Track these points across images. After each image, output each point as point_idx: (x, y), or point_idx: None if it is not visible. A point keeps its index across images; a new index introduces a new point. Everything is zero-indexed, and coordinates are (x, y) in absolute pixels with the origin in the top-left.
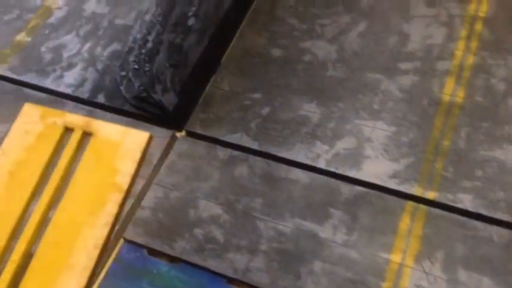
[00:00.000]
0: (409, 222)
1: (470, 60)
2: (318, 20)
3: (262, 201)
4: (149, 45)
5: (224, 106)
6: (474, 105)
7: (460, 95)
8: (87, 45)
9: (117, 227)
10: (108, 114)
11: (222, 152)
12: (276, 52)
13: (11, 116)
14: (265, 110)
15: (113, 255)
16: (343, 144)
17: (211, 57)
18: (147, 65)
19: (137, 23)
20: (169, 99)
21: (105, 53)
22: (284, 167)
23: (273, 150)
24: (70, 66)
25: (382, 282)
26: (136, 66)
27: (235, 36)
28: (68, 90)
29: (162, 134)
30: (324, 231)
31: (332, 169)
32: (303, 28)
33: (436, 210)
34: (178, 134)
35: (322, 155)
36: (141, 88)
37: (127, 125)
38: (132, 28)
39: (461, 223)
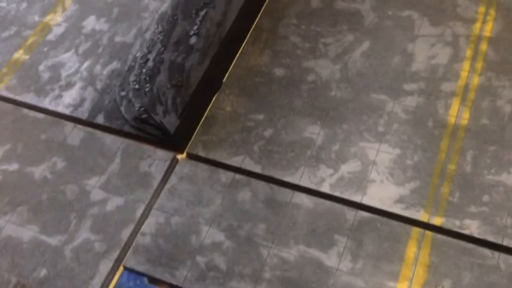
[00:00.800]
0: (416, 250)
1: (476, 81)
2: (321, 38)
3: (265, 227)
4: (150, 64)
5: (226, 128)
6: (480, 127)
7: (465, 117)
8: (86, 64)
9: (117, 254)
10: (108, 136)
11: (225, 176)
12: (279, 71)
13: (10, 138)
14: (268, 132)
15: (112, 284)
16: (348, 168)
17: (213, 77)
18: (147, 85)
19: (137, 41)
20: (171, 121)
21: (105, 72)
22: (288, 191)
23: (277, 174)
24: (69, 85)
25: None
26: (136, 86)
27: (238, 55)
28: (67, 111)
29: (163, 156)
30: (329, 259)
31: (337, 193)
32: (306, 47)
33: (443, 237)
34: (179, 157)
35: (326, 179)
36: (142, 109)
37: (127, 147)
38: (132, 46)
39: (468, 250)
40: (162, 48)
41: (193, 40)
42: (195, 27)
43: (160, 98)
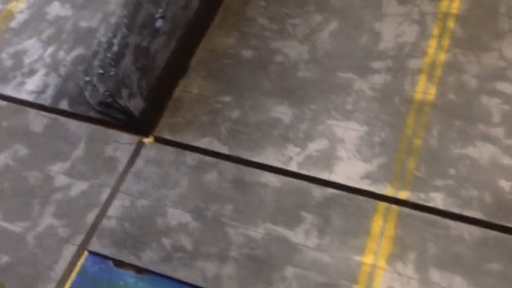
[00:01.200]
0: (382, 224)
1: (443, 57)
2: (289, 19)
3: (232, 207)
4: (115, 48)
5: (193, 110)
6: (446, 103)
7: (432, 93)
8: (50, 50)
9: (81, 239)
10: (72, 121)
11: (191, 158)
12: (247, 53)
13: None
14: (236, 113)
15: (77, 268)
16: (315, 146)
17: (180, 60)
18: (112, 69)
19: (102, 25)
20: (136, 104)
21: (69, 58)
22: (255, 171)
23: (244, 154)
24: (32, 72)
25: (354, 285)
26: (101, 71)
27: (205, 38)
28: (30, 98)
29: (129, 141)
30: (296, 236)
31: (304, 172)
32: (274, 28)
33: (409, 210)
34: (145, 140)
35: (294, 158)
36: (107, 93)
37: (92, 132)
38: (97, 31)
39: (433, 222)
40: (127, 32)
41: (158, 23)
42: (161, 10)
43: (125, 81)
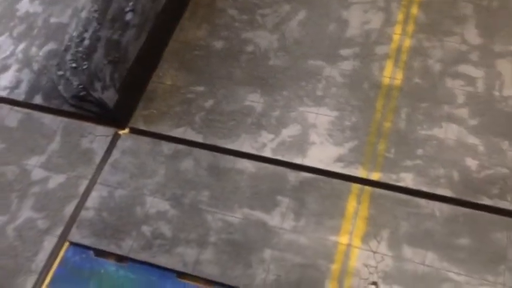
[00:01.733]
0: (355, 204)
1: (408, 43)
2: (258, 10)
3: (209, 193)
4: (86, 42)
5: (167, 101)
6: (413, 86)
7: (399, 78)
8: (22, 46)
9: (61, 230)
10: (46, 116)
11: (167, 147)
12: (218, 44)
13: None
14: (209, 103)
15: (58, 259)
16: (288, 132)
17: (152, 52)
18: (85, 62)
19: (73, 20)
20: (110, 96)
21: (41, 53)
22: (230, 158)
23: (219, 142)
24: (4, 68)
25: (331, 264)
26: (74, 65)
27: (176, 30)
28: (3, 93)
29: (104, 133)
30: (273, 219)
31: (278, 157)
32: (243, 19)
33: (381, 191)
34: (121, 132)
35: (267, 144)
36: (80, 87)
37: (67, 125)
38: (68, 26)
39: (404, 201)
40: (98, 26)
41: (128, 16)
42: (131, 4)
43: (98, 74)
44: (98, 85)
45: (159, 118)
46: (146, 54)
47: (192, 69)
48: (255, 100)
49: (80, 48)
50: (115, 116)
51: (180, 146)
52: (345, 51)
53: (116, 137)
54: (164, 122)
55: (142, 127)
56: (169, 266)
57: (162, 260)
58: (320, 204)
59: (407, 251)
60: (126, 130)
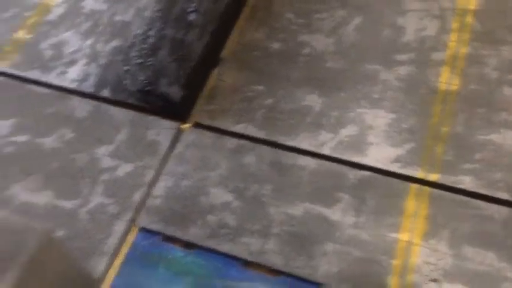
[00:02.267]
0: (414, 204)
1: (463, 50)
2: (314, 14)
3: (271, 187)
4: (151, 40)
5: (228, 98)
6: (470, 93)
7: (455, 84)
8: (88, 42)
9: (130, 216)
10: (113, 108)
11: (229, 142)
12: (275, 46)
13: (18, 111)
14: (269, 101)
15: (128, 242)
16: (346, 132)
17: (213, 51)
18: (150, 59)
19: (136, 19)
20: (175, 92)
21: (107, 49)
22: (291, 154)
23: (279, 139)
24: (72, 62)
25: (392, 260)
26: (139, 61)
27: (234, 32)
28: (72, 85)
29: (169, 126)
30: (333, 214)
31: (337, 155)
32: (300, 22)
33: (440, 192)
34: (184, 126)
35: (327, 143)
36: (146, 82)
37: (133, 118)
38: (132, 24)
39: (464, 203)
40: (162, 25)
41: (192, 17)
42: (193, 5)
43: (163, 71)
44: (163, 81)
45: (221, 114)
46: (208, 54)
47: (251, 69)
48: (313, 100)
49: (145, 46)
50: (179, 111)
51: (242, 141)
52: (400, 57)
53: (179, 131)
54: (226, 118)
55: (205, 122)
56: (235, 254)
57: (227, 248)
58: (379, 202)
59: (467, 250)
60: (190, 124)
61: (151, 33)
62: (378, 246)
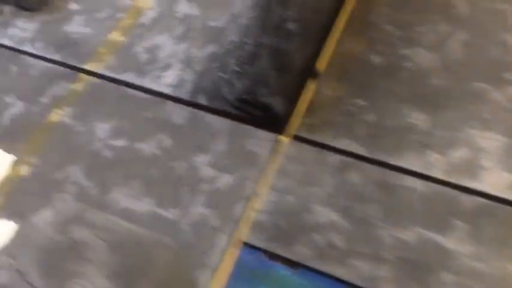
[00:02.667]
0: None
1: None
2: (414, 27)
3: (379, 208)
4: (249, 48)
5: (329, 112)
6: None
7: None
8: (182, 47)
9: (232, 229)
10: (209, 115)
11: (331, 157)
12: (376, 58)
13: (115, 115)
14: (371, 117)
15: (233, 258)
16: (456, 154)
17: (312, 62)
18: (249, 67)
19: (231, 25)
20: (275, 102)
21: (202, 55)
22: (397, 174)
23: (384, 157)
24: (167, 66)
25: None
26: (237, 69)
27: (331, 42)
28: (168, 90)
29: (268, 137)
30: (449, 242)
31: (448, 178)
32: (399, 35)
33: None
34: (284, 138)
35: (435, 164)
36: (244, 90)
37: (230, 126)
38: (226, 30)
39: None
40: (260, 34)
41: (291, 26)
42: (292, 14)
43: (262, 80)
44: (263, 90)
45: (321, 128)
46: (308, 64)
47: (351, 82)
48: (418, 118)
49: (243, 53)
50: (279, 122)
51: (346, 158)
52: (510, 75)
53: (279, 143)
54: (326, 132)
55: (305, 135)
56: (345, 278)
57: (335, 270)
58: (498, 231)
59: None
60: (289, 136)
61: (248, 40)
62: (501, 280)
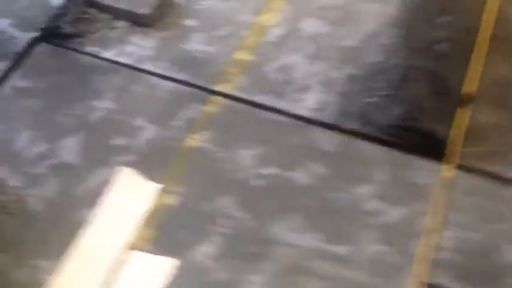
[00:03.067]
0: None
1: None
2: None
3: None
4: (399, 70)
5: (491, 139)
6: None
7: None
8: (318, 67)
9: (413, 268)
10: (361, 142)
11: (508, 191)
12: None
13: (259, 141)
14: None
15: None
16: None
17: (465, 86)
18: (400, 91)
19: (367, 45)
20: (440, 129)
21: (340, 76)
22: None
23: None
24: (305, 88)
25: None
26: (386, 92)
27: (476, 64)
28: (310, 114)
29: (431, 167)
30: None
31: None
32: None
33: None
34: (449, 168)
35: None
36: (402, 116)
37: (388, 154)
38: (363, 51)
39: None
40: (406, 55)
41: (443, 46)
42: (443, 33)
43: (420, 105)
44: (423, 116)
45: (486, 157)
46: (464, 88)
47: (508, 107)
48: None
49: (392, 76)
50: (442, 151)
51: None
52: None
53: (445, 173)
54: (494, 162)
55: (472, 164)
56: None
57: None
58: None
59: None
60: (454, 166)
61: (395, 62)
62: None
